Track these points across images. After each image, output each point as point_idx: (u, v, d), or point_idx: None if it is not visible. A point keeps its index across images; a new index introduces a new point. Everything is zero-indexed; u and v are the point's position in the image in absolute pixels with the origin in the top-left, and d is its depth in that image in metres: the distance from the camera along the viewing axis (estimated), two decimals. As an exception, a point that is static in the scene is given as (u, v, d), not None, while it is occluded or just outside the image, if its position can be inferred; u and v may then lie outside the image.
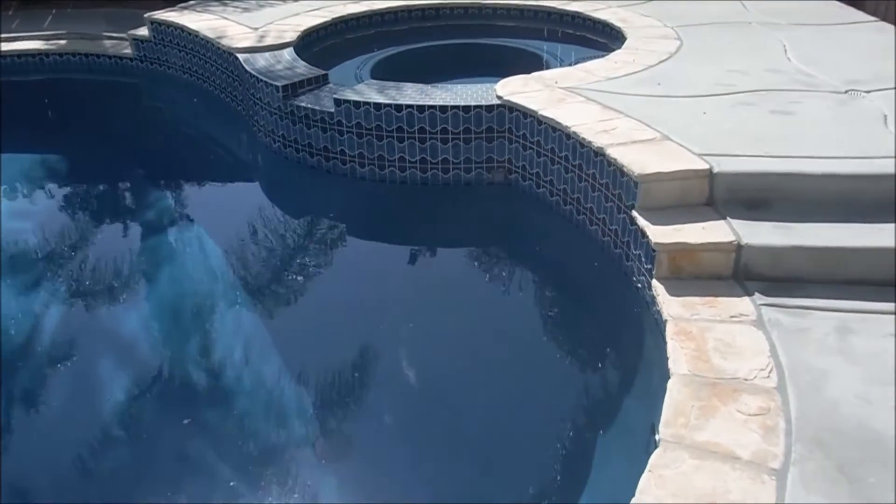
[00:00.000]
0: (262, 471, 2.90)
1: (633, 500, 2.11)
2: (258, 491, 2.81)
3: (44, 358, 3.61)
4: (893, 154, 3.47)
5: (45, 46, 7.13)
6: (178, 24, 6.50)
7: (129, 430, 3.19)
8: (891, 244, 3.07)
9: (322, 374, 3.40)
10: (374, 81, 5.13)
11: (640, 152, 3.56)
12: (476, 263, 4.49)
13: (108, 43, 7.21)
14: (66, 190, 5.58)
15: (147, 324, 3.86)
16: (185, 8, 7.06)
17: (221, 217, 5.01)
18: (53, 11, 8.07)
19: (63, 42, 7.25)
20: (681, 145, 3.61)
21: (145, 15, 6.80)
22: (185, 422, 3.16)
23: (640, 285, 3.50)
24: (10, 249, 4.51)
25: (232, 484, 2.82)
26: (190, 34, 6.38)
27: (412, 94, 4.68)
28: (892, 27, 5.70)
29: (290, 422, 3.21)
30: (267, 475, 2.88)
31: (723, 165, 3.40)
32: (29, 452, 3.07)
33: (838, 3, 6.58)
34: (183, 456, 3.03)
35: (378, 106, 4.56)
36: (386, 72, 5.78)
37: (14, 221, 4.89)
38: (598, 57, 5.29)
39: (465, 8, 7.12)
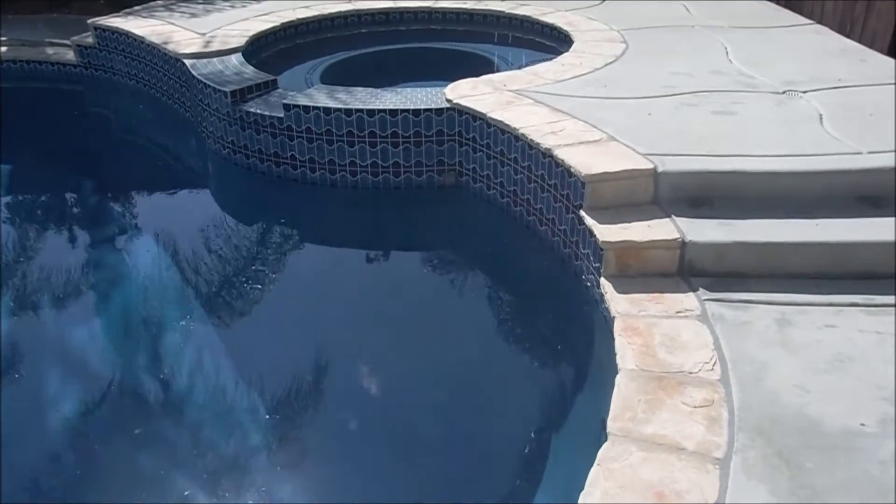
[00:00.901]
0: (218, 480, 2.88)
1: (582, 493, 2.15)
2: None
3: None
4: (828, 151, 3.60)
5: (-16, 53, 6.96)
6: (123, 29, 6.39)
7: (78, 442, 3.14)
8: (827, 238, 3.18)
9: (275, 380, 3.38)
10: (324, 86, 5.12)
11: (587, 153, 3.62)
12: (428, 266, 4.51)
13: (50, 50, 7.05)
14: (8, 199, 5.43)
15: (94, 334, 3.78)
16: (130, 14, 6.95)
17: (171, 225, 4.92)
18: (-7, 18, 7.88)
19: (3, 49, 7.07)
20: (626, 146, 3.68)
21: (89, 21, 6.67)
22: (136, 432, 3.11)
23: (588, 283, 3.55)
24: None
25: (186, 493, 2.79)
26: (135, 40, 6.28)
27: (362, 97, 4.68)
28: (828, 30, 5.89)
29: (245, 428, 3.18)
30: (223, 484, 2.86)
31: (667, 165, 3.48)
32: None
33: (777, 6, 6.78)
34: (134, 466, 2.99)
35: (328, 110, 4.55)
36: (336, 76, 5.77)
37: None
38: (546, 60, 5.37)
39: (416, 13, 7.15)
